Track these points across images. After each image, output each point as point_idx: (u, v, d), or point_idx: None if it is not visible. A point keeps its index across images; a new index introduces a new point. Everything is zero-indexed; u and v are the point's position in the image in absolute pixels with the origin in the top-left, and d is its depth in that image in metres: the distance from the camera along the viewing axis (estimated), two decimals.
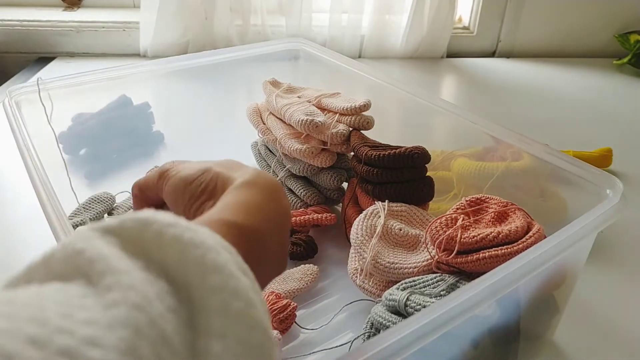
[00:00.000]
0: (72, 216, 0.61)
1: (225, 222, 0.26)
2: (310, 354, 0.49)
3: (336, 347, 0.49)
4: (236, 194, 0.29)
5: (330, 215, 0.62)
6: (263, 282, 0.27)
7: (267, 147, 0.75)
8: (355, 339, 0.48)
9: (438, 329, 0.31)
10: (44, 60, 1.22)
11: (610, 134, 0.99)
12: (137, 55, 1.25)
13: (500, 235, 0.44)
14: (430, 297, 0.42)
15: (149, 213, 0.22)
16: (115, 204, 0.66)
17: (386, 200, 0.56)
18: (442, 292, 0.43)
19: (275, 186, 0.31)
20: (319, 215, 0.62)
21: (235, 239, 0.25)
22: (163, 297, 0.19)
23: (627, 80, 1.26)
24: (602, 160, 0.85)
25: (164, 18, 1.19)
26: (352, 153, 0.63)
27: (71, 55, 1.25)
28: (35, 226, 0.64)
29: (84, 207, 0.62)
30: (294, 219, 0.63)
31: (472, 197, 0.50)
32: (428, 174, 0.58)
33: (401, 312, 0.41)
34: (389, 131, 0.74)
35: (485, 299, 0.34)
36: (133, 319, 0.17)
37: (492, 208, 0.49)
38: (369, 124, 0.65)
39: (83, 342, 0.16)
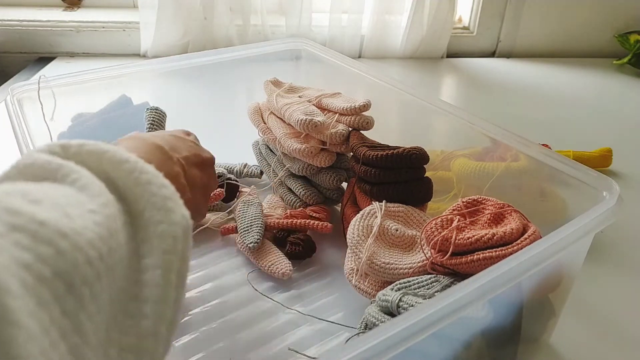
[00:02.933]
0: None
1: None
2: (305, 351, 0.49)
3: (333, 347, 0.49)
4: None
5: (326, 225, 0.62)
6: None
7: (267, 146, 0.75)
8: (349, 338, 0.48)
9: (427, 329, 0.31)
10: (43, 60, 1.22)
11: (610, 134, 0.99)
12: (137, 55, 1.25)
13: (495, 237, 0.44)
14: (424, 298, 0.42)
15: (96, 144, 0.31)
16: None
17: (383, 201, 0.56)
18: (435, 293, 0.43)
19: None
20: (315, 223, 0.62)
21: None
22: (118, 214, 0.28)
23: (627, 80, 1.26)
24: (602, 160, 0.85)
25: (163, 19, 1.19)
26: (351, 153, 0.63)
27: (71, 55, 1.25)
28: None
29: None
30: (292, 220, 0.63)
31: (469, 199, 0.50)
32: (428, 173, 0.58)
33: (394, 312, 0.41)
34: (388, 131, 0.74)
35: (475, 300, 0.34)
36: (107, 223, 0.26)
37: (488, 209, 0.49)
38: (368, 124, 0.65)
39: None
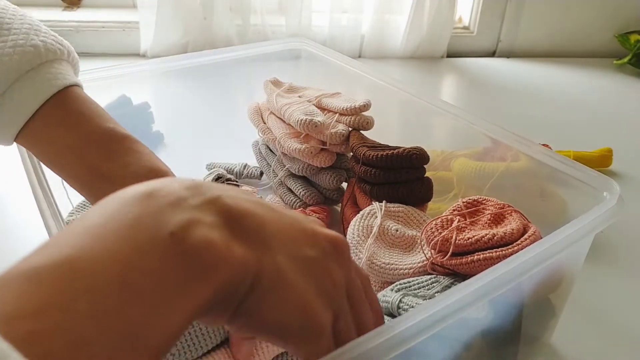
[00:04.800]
0: (72, 214, 0.61)
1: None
2: None
3: None
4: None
5: None
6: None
7: (267, 146, 0.75)
8: None
9: (427, 330, 0.31)
10: None
11: (610, 134, 0.99)
12: (136, 55, 1.25)
13: (495, 237, 0.43)
14: (424, 299, 0.42)
15: None
16: None
17: (383, 201, 0.56)
18: (436, 294, 0.43)
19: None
20: None
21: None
22: None
23: (627, 80, 1.26)
24: (603, 160, 0.85)
25: (163, 19, 1.19)
26: (351, 153, 0.63)
27: None
28: (33, 225, 0.65)
29: (82, 207, 0.62)
30: None
31: (469, 199, 0.50)
32: (428, 173, 0.58)
33: (394, 313, 0.41)
34: (388, 131, 0.74)
35: (476, 301, 0.33)
36: None
37: (488, 210, 0.49)
38: (368, 124, 0.65)
39: None
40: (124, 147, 0.38)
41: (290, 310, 0.24)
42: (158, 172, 0.38)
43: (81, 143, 0.38)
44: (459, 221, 0.47)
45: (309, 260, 0.25)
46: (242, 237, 0.23)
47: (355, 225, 0.54)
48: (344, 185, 0.68)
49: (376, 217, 0.54)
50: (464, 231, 0.47)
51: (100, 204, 0.22)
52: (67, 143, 0.38)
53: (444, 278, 0.45)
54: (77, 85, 0.41)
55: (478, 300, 0.34)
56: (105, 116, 0.40)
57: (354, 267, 0.29)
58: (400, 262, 0.50)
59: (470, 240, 0.44)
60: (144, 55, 1.23)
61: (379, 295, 0.44)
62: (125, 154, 0.38)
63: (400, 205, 0.56)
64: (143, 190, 0.22)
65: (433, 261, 0.47)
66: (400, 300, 0.41)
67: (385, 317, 0.42)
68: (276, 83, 0.75)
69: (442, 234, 0.46)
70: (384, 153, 0.56)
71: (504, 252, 0.42)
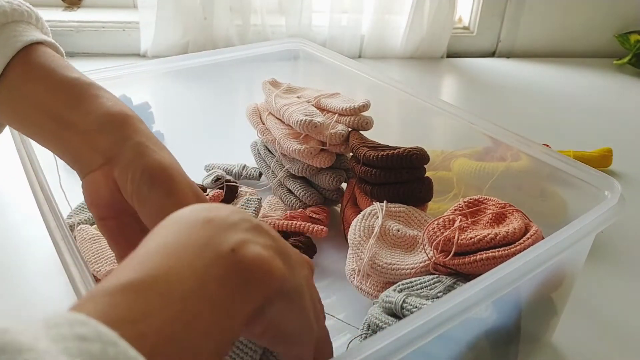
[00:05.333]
0: (71, 216, 0.61)
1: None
2: None
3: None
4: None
5: (321, 230, 0.62)
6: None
7: (266, 147, 0.75)
8: (352, 339, 0.48)
9: (433, 331, 0.31)
10: None
11: (610, 133, 0.99)
12: (137, 55, 1.25)
13: (497, 237, 0.43)
14: (427, 299, 0.42)
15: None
16: None
17: (384, 201, 0.56)
18: (439, 294, 0.43)
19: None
20: (311, 227, 0.62)
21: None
22: None
23: (627, 80, 1.26)
24: (602, 160, 0.85)
25: (163, 19, 1.19)
26: (351, 153, 0.63)
27: (71, 55, 1.25)
28: (34, 226, 0.65)
29: (81, 208, 0.62)
30: (288, 222, 0.62)
31: (470, 198, 0.50)
32: (428, 173, 0.58)
33: (397, 314, 0.41)
34: (388, 132, 0.74)
35: (481, 301, 0.34)
36: None
37: (489, 209, 0.49)
38: (368, 124, 0.65)
39: None
40: (88, 94, 0.37)
41: (302, 319, 0.29)
42: (121, 117, 0.37)
43: (46, 95, 0.37)
44: (460, 221, 0.47)
45: (307, 278, 0.31)
46: (281, 256, 0.27)
47: (356, 226, 0.54)
48: (344, 185, 0.68)
49: (377, 217, 0.54)
50: (465, 231, 0.46)
51: (169, 226, 0.26)
52: (33, 98, 0.37)
53: (446, 278, 0.45)
54: (43, 43, 0.40)
55: (483, 301, 0.34)
56: (71, 68, 0.39)
57: None
58: (402, 262, 0.50)
59: (472, 239, 0.44)
60: (144, 56, 1.23)
61: (382, 295, 0.44)
62: (88, 101, 0.37)
63: (401, 205, 0.56)
64: (204, 216, 0.26)
65: (435, 261, 0.46)
66: (403, 301, 0.41)
67: (389, 317, 0.42)
68: (274, 84, 0.75)
69: (445, 234, 0.46)
70: (384, 153, 0.56)
71: (506, 251, 0.42)
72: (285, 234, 0.62)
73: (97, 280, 0.51)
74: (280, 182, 0.71)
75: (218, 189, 0.66)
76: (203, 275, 0.23)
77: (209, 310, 0.22)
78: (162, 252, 0.24)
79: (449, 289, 0.43)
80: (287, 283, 0.27)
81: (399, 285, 0.45)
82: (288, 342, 0.29)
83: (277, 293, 0.26)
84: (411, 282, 0.45)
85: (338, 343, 0.51)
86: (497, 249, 0.43)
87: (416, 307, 0.40)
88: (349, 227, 0.56)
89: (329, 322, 0.52)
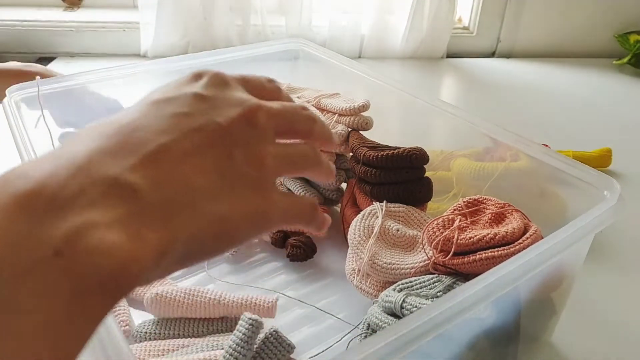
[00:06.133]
0: None
1: None
2: (306, 353, 0.49)
3: (333, 345, 0.49)
4: None
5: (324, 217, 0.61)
6: None
7: None
8: (352, 339, 0.48)
9: (433, 330, 0.31)
10: (44, 60, 1.22)
11: (609, 134, 0.99)
12: (137, 55, 1.25)
13: (497, 237, 0.44)
14: (427, 299, 0.42)
15: None
16: None
17: (384, 201, 0.56)
18: (438, 294, 0.43)
19: None
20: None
21: None
22: None
23: (627, 80, 1.26)
24: (602, 160, 0.85)
25: (163, 19, 1.19)
26: (351, 153, 0.63)
27: (71, 55, 1.25)
28: None
29: None
30: None
31: (470, 198, 0.50)
32: (428, 173, 0.58)
33: (397, 313, 0.41)
34: (388, 132, 0.74)
35: (480, 301, 0.34)
36: None
37: (489, 209, 0.49)
38: (367, 124, 0.65)
39: None
40: None
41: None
42: None
43: None
44: (460, 221, 0.47)
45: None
46: (152, 218, 0.20)
47: (356, 226, 0.54)
48: (344, 185, 0.68)
49: (377, 217, 0.55)
50: (465, 231, 0.47)
51: None
52: None
53: (445, 277, 0.45)
54: None
55: (482, 301, 0.34)
56: None
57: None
58: (402, 262, 0.50)
59: (472, 239, 0.44)
60: (144, 56, 1.23)
61: (382, 295, 0.44)
62: None
63: (401, 205, 0.56)
64: (16, 197, 0.17)
65: (435, 261, 0.47)
66: (403, 300, 0.41)
67: (389, 317, 0.42)
68: None
69: (444, 234, 0.46)
70: (384, 153, 0.56)
71: (505, 251, 0.42)
72: (285, 233, 0.62)
73: None
74: (280, 182, 0.71)
75: None
76: (15, 298, 0.16)
77: (30, 343, 0.16)
78: None
79: (448, 288, 0.43)
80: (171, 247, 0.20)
81: (398, 285, 0.45)
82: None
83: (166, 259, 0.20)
84: (411, 281, 0.45)
85: (337, 343, 0.51)
86: (496, 249, 0.43)
87: (416, 306, 0.40)
88: (348, 227, 0.56)
89: (329, 321, 0.53)
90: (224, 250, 0.23)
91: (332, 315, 0.54)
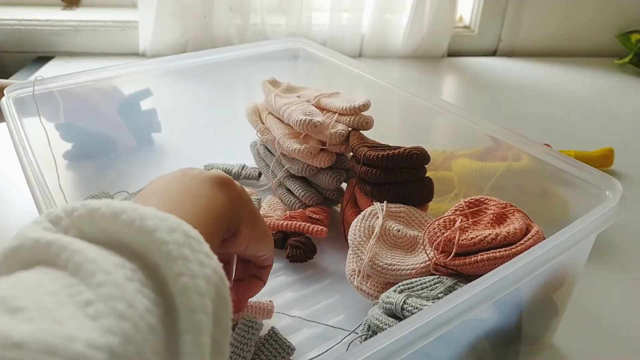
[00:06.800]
0: None
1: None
2: (306, 355, 0.49)
3: (333, 346, 0.49)
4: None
5: (321, 230, 0.61)
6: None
7: (266, 147, 0.74)
8: (352, 340, 0.48)
9: (434, 332, 0.31)
10: (42, 59, 1.21)
11: (611, 133, 0.99)
12: (136, 54, 1.25)
13: (498, 237, 0.43)
14: (428, 300, 0.42)
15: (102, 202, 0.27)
16: None
17: (385, 201, 0.56)
18: (439, 295, 0.42)
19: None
20: (311, 227, 0.61)
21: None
22: (142, 291, 0.23)
23: (628, 79, 1.26)
24: (604, 160, 0.84)
25: (162, 18, 1.18)
26: (351, 153, 0.63)
27: (70, 54, 1.25)
28: None
29: None
30: (288, 222, 0.62)
31: (471, 199, 0.50)
32: (429, 173, 0.58)
33: (398, 315, 0.41)
34: (388, 131, 0.74)
35: (482, 302, 0.33)
36: (120, 328, 0.20)
37: (490, 209, 0.48)
38: (368, 124, 0.65)
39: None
40: None
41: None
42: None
43: None
44: (461, 221, 0.47)
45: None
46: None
47: (356, 226, 0.54)
48: (344, 185, 0.68)
49: (377, 217, 0.54)
50: (466, 231, 0.46)
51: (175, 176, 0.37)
52: None
53: (447, 278, 0.44)
54: None
55: (484, 302, 0.34)
56: None
57: None
58: (403, 262, 0.50)
59: (473, 240, 0.44)
60: (143, 55, 1.23)
61: (383, 296, 0.44)
62: None
63: (402, 205, 0.56)
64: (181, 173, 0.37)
65: (436, 262, 0.46)
66: (404, 302, 0.41)
67: (390, 318, 0.42)
68: (274, 83, 0.75)
69: (445, 234, 0.46)
70: (385, 153, 0.56)
71: (507, 252, 0.42)
72: (285, 234, 0.62)
73: None
74: (280, 182, 0.70)
75: None
76: (200, 184, 0.35)
77: (206, 198, 0.34)
78: (168, 188, 0.35)
79: (449, 289, 0.43)
80: (248, 202, 0.40)
81: (399, 286, 0.45)
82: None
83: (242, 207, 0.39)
84: (412, 282, 0.45)
85: (337, 346, 0.51)
86: (498, 250, 0.43)
87: (417, 308, 0.40)
88: (349, 228, 0.55)
89: (323, 328, 0.52)
90: None
91: (341, 329, 0.53)
